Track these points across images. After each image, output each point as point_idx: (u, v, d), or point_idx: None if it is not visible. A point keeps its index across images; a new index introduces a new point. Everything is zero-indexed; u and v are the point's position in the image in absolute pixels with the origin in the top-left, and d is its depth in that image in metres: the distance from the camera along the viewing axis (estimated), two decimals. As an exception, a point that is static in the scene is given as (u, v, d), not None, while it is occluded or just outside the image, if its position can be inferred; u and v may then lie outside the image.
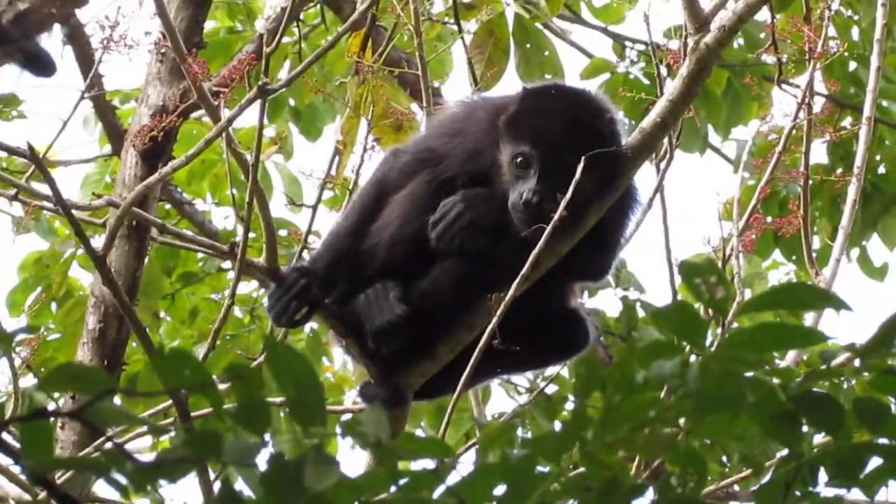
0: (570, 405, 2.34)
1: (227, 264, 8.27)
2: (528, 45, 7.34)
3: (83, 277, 8.09)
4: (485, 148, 4.28)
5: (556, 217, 4.04)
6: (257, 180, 4.18)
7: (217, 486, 3.13)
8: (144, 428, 4.57)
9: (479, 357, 4.11)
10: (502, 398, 13.86)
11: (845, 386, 2.44)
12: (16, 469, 4.81)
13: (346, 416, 5.32)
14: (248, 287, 8.45)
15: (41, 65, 6.95)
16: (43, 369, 6.46)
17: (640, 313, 8.06)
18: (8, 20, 6.77)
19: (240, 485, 2.26)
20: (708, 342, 2.32)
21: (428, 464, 2.29)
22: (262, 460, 2.23)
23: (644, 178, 4.50)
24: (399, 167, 4.36)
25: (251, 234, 4.34)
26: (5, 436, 2.34)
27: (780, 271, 8.48)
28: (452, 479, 2.27)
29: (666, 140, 4.72)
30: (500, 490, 2.29)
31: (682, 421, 2.33)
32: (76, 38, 7.28)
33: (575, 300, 4.47)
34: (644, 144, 4.21)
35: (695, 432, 2.35)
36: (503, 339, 4.08)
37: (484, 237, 4.19)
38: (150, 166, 6.65)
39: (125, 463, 2.19)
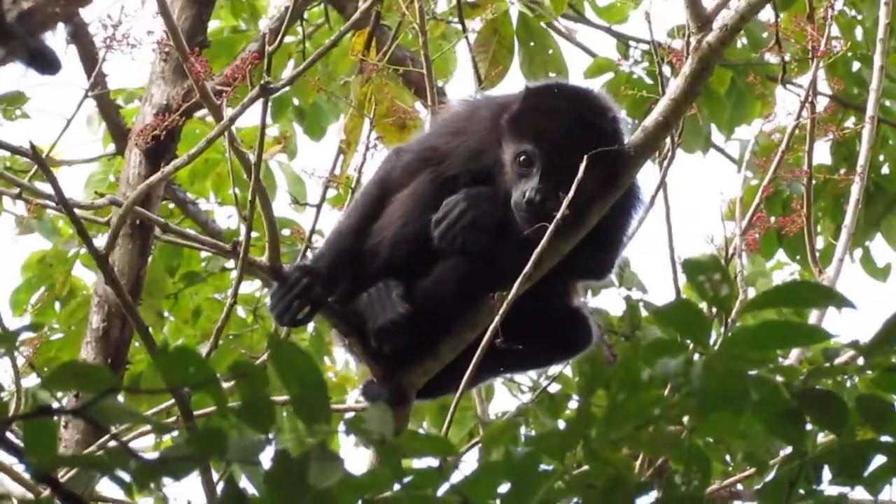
0: (573, 403, 2.35)
1: (230, 264, 8.26)
2: (532, 44, 7.33)
3: (87, 277, 8.10)
4: (487, 146, 4.27)
5: (558, 216, 4.04)
6: (260, 179, 4.18)
7: (221, 485, 3.13)
8: (148, 426, 4.57)
9: (482, 356, 4.10)
10: (505, 397, 13.83)
11: (849, 384, 2.44)
12: (20, 467, 4.82)
13: (350, 415, 5.31)
14: (252, 286, 8.44)
15: (46, 62, 6.95)
16: (46, 369, 6.46)
17: (644, 313, 8.05)
18: (12, 18, 6.77)
19: (244, 482, 2.26)
20: (712, 340, 2.32)
21: (431, 462, 2.29)
22: (266, 458, 2.23)
23: (646, 176, 4.50)
24: (402, 166, 4.35)
25: (254, 234, 4.34)
26: (9, 434, 2.34)
27: (784, 271, 8.47)
28: (456, 477, 2.27)
29: (668, 139, 4.71)
30: (503, 488, 2.29)
31: (685, 419, 2.33)
32: (80, 36, 7.27)
33: (578, 299, 4.47)
34: (646, 143, 4.21)
35: (698, 430, 2.35)
36: (506, 338, 4.08)
37: (486, 236, 4.19)
38: (153, 165, 6.65)
39: (129, 461, 2.20)
